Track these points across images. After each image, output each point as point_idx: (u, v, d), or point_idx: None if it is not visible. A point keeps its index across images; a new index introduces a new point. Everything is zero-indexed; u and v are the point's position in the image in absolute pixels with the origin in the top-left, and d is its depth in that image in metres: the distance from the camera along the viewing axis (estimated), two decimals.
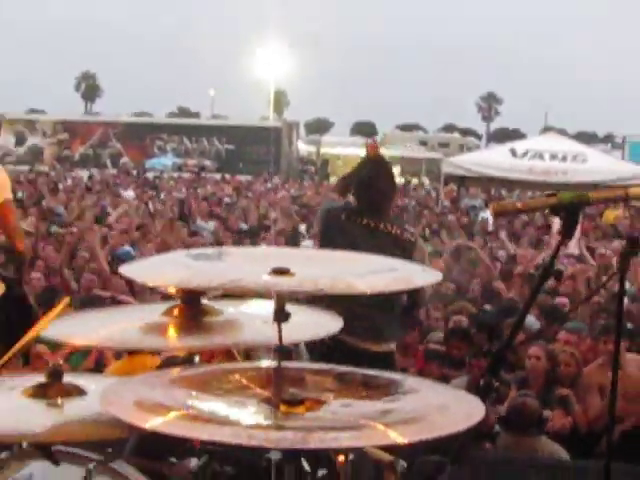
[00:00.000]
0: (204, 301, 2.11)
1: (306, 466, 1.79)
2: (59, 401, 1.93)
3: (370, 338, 3.74)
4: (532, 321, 6.31)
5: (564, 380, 5.30)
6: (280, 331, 1.69)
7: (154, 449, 2.09)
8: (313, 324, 2.07)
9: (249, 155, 36.59)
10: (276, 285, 1.67)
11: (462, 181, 16.90)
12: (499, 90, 73.14)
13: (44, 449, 1.93)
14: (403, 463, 1.94)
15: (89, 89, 74.34)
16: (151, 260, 2.25)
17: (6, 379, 2.19)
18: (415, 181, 29.89)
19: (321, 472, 1.85)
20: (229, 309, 2.15)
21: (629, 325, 6.32)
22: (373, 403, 1.77)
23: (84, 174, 26.69)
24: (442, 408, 1.72)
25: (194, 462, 1.93)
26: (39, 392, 1.94)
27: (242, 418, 1.64)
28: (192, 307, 2.05)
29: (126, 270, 1.90)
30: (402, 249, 3.75)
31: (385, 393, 1.82)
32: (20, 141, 37.19)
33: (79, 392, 1.97)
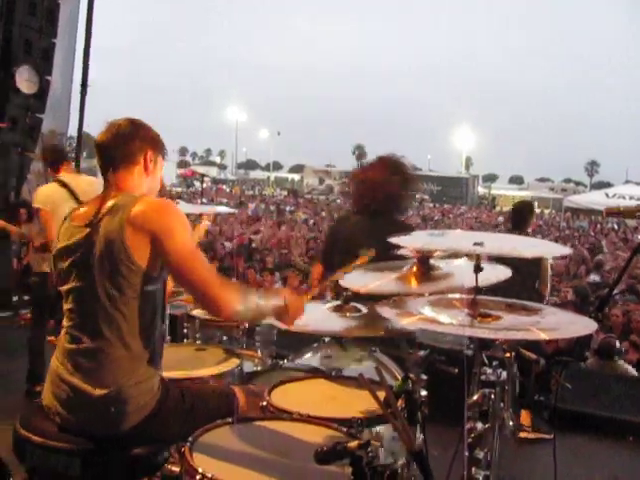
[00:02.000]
0: (431, 261, 3.08)
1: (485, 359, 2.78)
2: (347, 314, 3.13)
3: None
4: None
5: (635, 329, 8.05)
6: (477, 278, 2.65)
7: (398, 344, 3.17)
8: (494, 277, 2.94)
9: (449, 193, 54.66)
10: (475, 250, 2.60)
11: (575, 211, 27.02)
12: (599, 158, 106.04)
13: (338, 339, 3.15)
14: (543, 361, 2.84)
15: (360, 153, 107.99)
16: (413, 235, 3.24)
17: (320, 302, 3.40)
18: (546, 211, 45.08)
19: (494, 362, 2.83)
20: (444, 265, 3.10)
21: None
22: (530, 318, 2.71)
23: None
24: (569, 323, 2.66)
25: (422, 352, 2.96)
26: (337, 308, 3.15)
27: (454, 322, 2.59)
28: (424, 265, 3.06)
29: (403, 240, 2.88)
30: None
31: (536, 313, 2.77)
32: (320, 182, 53.82)
33: (358, 310, 3.15)
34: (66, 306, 2.65)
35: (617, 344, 7.27)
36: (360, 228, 4.15)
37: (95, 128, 2.81)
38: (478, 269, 2.64)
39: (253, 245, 15.62)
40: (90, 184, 5.80)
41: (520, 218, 6.49)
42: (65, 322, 2.65)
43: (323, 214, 28.62)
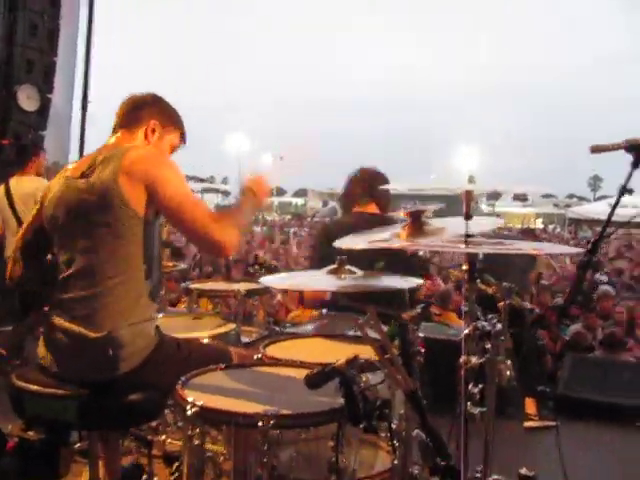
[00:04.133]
0: (423, 218, 3.09)
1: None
2: (342, 276, 3.14)
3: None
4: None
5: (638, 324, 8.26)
6: (467, 225, 2.65)
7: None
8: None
9: (453, 212, 52.88)
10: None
11: (578, 223, 26.98)
12: (602, 173, 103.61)
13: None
14: (537, 310, 2.86)
15: None
16: None
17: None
18: (551, 226, 44.35)
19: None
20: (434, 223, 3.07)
21: None
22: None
23: None
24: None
25: (418, 308, 2.94)
26: (333, 271, 3.17)
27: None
28: (416, 221, 3.08)
29: None
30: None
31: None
32: (325, 204, 53.31)
33: (352, 272, 3.17)
34: (61, 257, 2.69)
35: (622, 335, 7.43)
36: (348, 224, 4.30)
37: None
38: (468, 217, 2.66)
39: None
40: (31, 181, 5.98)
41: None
42: (59, 272, 2.69)
43: None
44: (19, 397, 2.56)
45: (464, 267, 2.60)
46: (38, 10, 9.16)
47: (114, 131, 2.86)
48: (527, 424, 5.60)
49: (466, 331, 2.47)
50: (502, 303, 2.78)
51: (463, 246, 2.55)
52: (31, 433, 2.63)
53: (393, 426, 2.37)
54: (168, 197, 2.54)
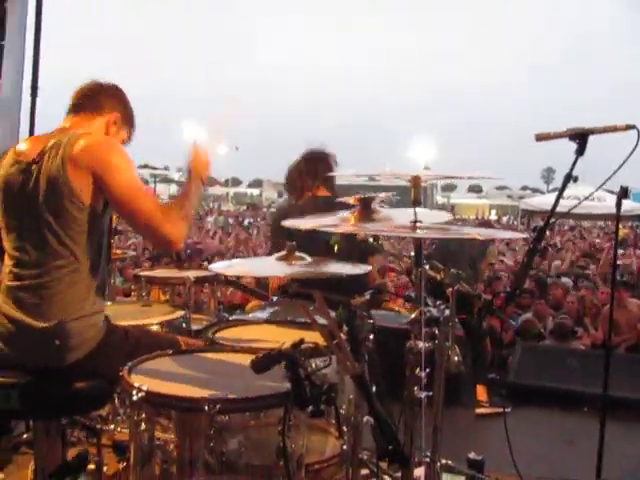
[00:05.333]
0: (372, 206, 3.10)
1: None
2: (292, 262, 3.14)
3: None
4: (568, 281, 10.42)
5: (588, 314, 8.41)
6: (415, 212, 2.62)
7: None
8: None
9: (407, 202, 52.49)
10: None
11: (531, 214, 26.87)
12: (555, 165, 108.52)
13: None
14: (484, 296, 2.88)
15: None
16: None
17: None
18: (505, 217, 45.95)
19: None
20: (384, 211, 3.11)
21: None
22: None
23: None
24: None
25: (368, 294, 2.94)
26: (284, 257, 3.16)
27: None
28: (365, 209, 3.10)
29: None
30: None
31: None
32: (280, 195, 50.93)
33: (302, 259, 3.17)
34: (8, 243, 2.64)
35: (572, 325, 7.67)
36: (302, 207, 4.29)
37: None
38: (416, 204, 2.68)
39: None
40: None
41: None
42: (7, 259, 2.64)
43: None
44: None
45: (412, 253, 2.62)
46: None
47: (69, 112, 2.80)
48: (478, 411, 5.70)
49: (412, 316, 2.49)
50: (450, 289, 2.81)
51: (411, 231, 2.55)
52: None
53: (342, 411, 2.39)
54: (116, 186, 2.48)
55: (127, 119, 2.88)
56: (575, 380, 6.07)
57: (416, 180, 2.68)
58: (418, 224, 2.56)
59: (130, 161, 2.58)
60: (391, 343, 3.14)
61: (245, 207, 48.67)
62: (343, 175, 4.88)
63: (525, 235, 2.96)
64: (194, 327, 3.49)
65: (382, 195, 3.06)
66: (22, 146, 2.71)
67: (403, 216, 3.02)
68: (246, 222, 30.32)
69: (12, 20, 9.81)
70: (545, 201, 25.86)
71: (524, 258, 2.86)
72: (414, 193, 2.68)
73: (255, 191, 65.95)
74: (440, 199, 61.40)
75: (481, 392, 5.85)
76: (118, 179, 2.49)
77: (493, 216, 46.60)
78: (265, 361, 1.96)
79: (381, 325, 3.22)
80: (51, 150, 2.55)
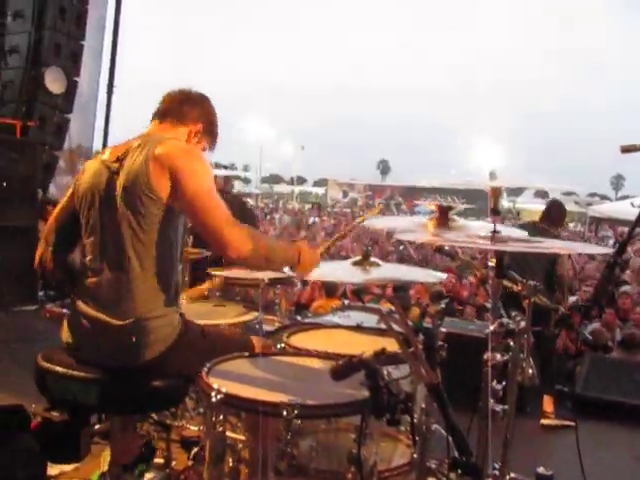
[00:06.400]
0: (450, 215, 3.13)
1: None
2: (367, 268, 3.14)
3: None
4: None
5: None
6: (495, 222, 2.65)
7: None
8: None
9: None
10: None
11: (599, 222, 26.69)
12: (624, 172, 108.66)
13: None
14: (562, 309, 2.83)
15: (384, 168, 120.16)
16: None
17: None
18: (571, 224, 42.10)
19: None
20: (460, 220, 3.15)
21: None
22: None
23: None
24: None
25: (443, 303, 2.94)
26: (358, 262, 3.16)
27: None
28: (443, 217, 3.10)
29: None
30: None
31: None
32: (344, 195, 54.03)
33: (377, 265, 3.17)
34: (87, 240, 2.70)
35: None
36: None
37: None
38: (496, 213, 2.66)
39: None
40: None
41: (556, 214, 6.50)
42: (86, 257, 2.70)
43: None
44: (44, 377, 2.58)
45: (490, 264, 2.58)
46: None
47: (155, 117, 2.85)
48: (544, 422, 5.59)
49: (491, 328, 2.46)
50: (527, 301, 2.77)
51: (489, 243, 2.51)
52: (55, 413, 2.64)
53: (415, 420, 2.37)
54: (190, 189, 2.51)
55: (210, 130, 2.91)
56: None
57: (495, 191, 2.64)
58: (497, 235, 2.54)
59: (208, 170, 2.61)
60: (462, 352, 3.13)
61: (310, 206, 48.78)
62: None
63: (609, 250, 2.86)
64: (266, 328, 3.51)
65: (462, 207, 3.05)
66: (108, 150, 2.78)
67: (476, 226, 3.01)
68: (311, 220, 30.45)
69: (92, 21, 10.10)
70: (614, 208, 25.17)
71: (604, 271, 2.80)
72: (493, 203, 2.64)
73: (320, 190, 65.95)
74: (506, 204, 61.34)
75: (548, 403, 5.74)
76: (194, 184, 2.52)
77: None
78: (345, 369, 1.95)
79: (456, 333, 3.21)
80: (135, 150, 2.61)
